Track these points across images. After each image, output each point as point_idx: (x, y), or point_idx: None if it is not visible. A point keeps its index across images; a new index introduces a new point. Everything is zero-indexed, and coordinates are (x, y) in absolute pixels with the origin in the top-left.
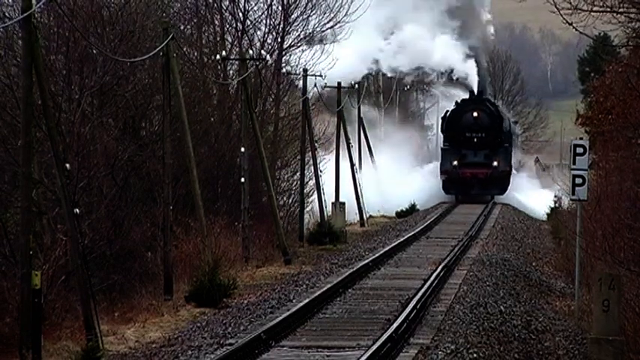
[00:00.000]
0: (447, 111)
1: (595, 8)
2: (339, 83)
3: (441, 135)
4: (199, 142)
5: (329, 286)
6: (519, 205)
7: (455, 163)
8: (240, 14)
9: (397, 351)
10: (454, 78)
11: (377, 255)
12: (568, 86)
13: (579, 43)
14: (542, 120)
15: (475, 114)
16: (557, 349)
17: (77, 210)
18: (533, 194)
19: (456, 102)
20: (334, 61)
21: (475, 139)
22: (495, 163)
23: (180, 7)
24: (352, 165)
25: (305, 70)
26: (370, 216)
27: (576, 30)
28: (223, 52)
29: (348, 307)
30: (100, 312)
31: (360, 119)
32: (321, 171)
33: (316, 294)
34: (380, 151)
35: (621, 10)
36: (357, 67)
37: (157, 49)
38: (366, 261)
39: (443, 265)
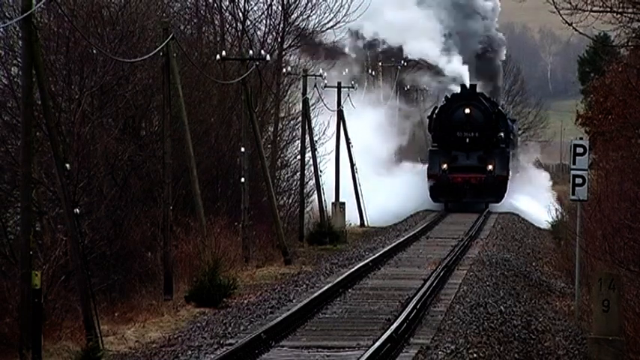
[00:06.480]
0: (436, 108)
1: (595, 8)
2: (339, 83)
3: None
4: (199, 142)
5: (329, 286)
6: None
7: (444, 166)
8: (240, 14)
9: (397, 351)
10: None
11: (377, 255)
12: (568, 86)
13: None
14: (542, 120)
15: (467, 110)
16: (557, 349)
17: (77, 210)
18: (531, 202)
19: (446, 97)
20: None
21: (467, 140)
22: (490, 167)
23: (180, 7)
24: (352, 165)
25: (305, 71)
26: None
27: (576, 30)
28: (223, 52)
29: (348, 307)
30: (100, 312)
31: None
32: (321, 171)
33: (316, 294)
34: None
35: (621, 10)
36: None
37: (157, 49)
38: (366, 261)
39: (443, 265)
